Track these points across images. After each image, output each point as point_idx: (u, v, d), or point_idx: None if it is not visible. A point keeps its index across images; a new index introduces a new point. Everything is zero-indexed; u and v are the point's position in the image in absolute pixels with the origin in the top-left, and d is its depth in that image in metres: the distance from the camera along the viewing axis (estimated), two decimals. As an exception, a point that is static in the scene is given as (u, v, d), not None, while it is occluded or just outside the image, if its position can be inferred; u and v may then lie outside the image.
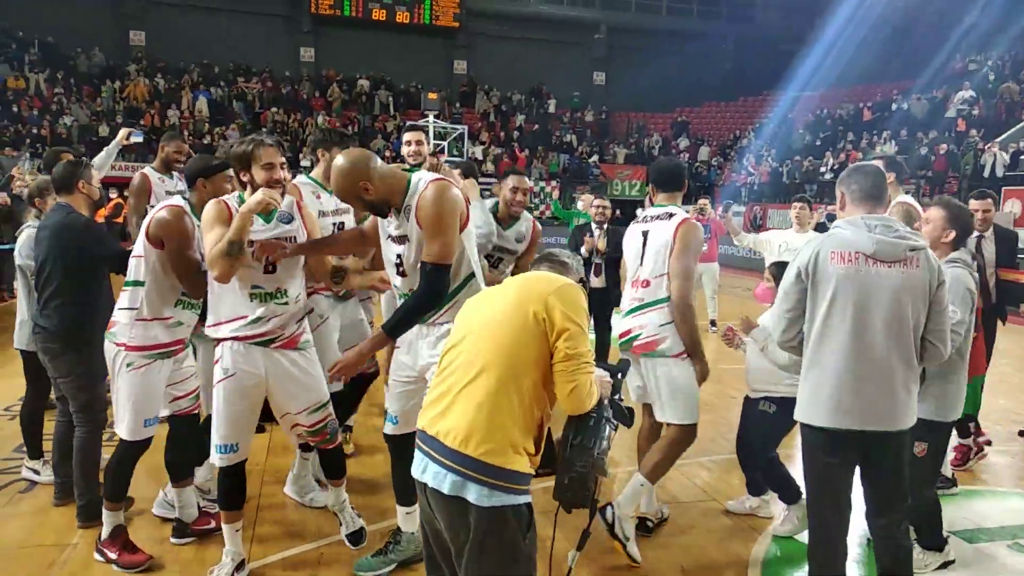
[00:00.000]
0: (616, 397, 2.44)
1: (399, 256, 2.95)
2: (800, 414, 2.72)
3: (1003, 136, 17.59)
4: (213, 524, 3.45)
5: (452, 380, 2.21)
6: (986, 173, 16.61)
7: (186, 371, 3.49)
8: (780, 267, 3.69)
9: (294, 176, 3.68)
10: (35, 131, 20.63)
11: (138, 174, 5.00)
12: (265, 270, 3.06)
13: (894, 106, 23.17)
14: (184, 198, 3.32)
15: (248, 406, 3.09)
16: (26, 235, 4.09)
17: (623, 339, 3.63)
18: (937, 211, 3.32)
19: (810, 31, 24.43)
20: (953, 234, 3.27)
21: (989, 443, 4.94)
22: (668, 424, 3.58)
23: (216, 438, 3.07)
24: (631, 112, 29.68)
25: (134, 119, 22.37)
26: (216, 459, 3.08)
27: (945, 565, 3.42)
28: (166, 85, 24.77)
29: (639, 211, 3.89)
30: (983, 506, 4.25)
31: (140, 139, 6.26)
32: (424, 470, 2.16)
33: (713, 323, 9.46)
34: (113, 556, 3.23)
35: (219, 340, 3.05)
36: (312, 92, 26.89)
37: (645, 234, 3.62)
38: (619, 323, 3.73)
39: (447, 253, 2.82)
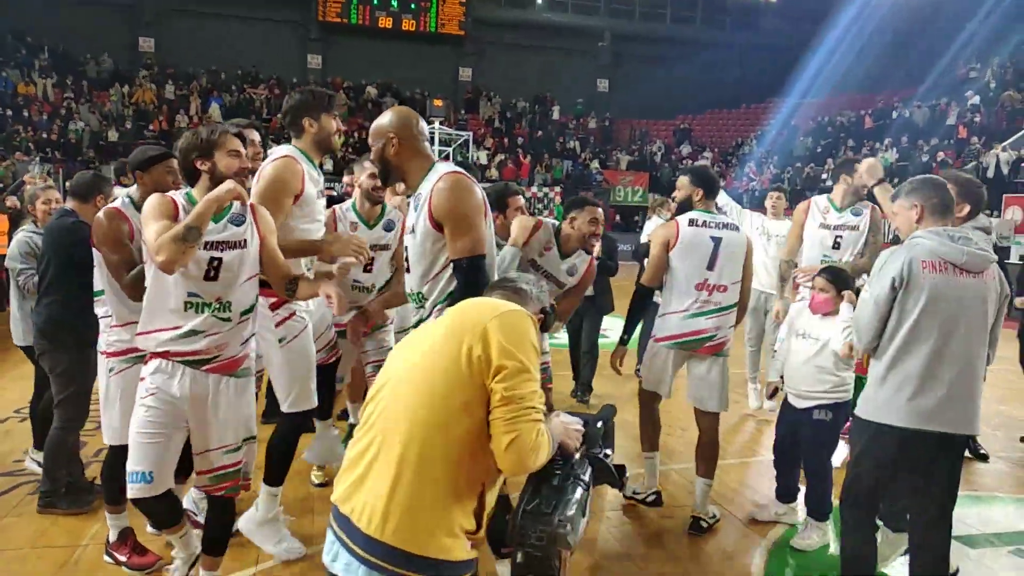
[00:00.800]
0: (600, 452, 2.04)
1: (406, 248, 2.76)
2: (874, 414, 2.79)
3: (1006, 142, 17.63)
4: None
5: (368, 439, 1.80)
6: (990, 174, 16.63)
7: None
8: (835, 274, 3.73)
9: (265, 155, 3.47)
10: (44, 136, 20.81)
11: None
12: (206, 275, 2.66)
13: (895, 113, 23.23)
14: (128, 196, 3.16)
15: (165, 435, 2.70)
16: (17, 239, 4.25)
17: (690, 339, 3.80)
18: (948, 186, 3.16)
19: (813, 39, 24.53)
20: (967, 208, 3.18)
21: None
22: (709, 413, 3.87)
23: (129, 463, 2.71)
24: (634, 119, 29.80)
25: (143, 123, 22.52)
26: (128, 488, 2.72)
27: None
28: (175, 91, 24.93)
29: (697, 215, 3.81)
30: (985, 512, 4.26)
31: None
32: (335, 557, 1.77)
33: None
34: (123, 558, 3.25)
35: (149, 354, 2.72)
36: (318, 98, 26.98)
37: (717, 240, 3.77)
38: (680, 324, 3.80)
39: (478, 246, 2.52)
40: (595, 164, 26.74)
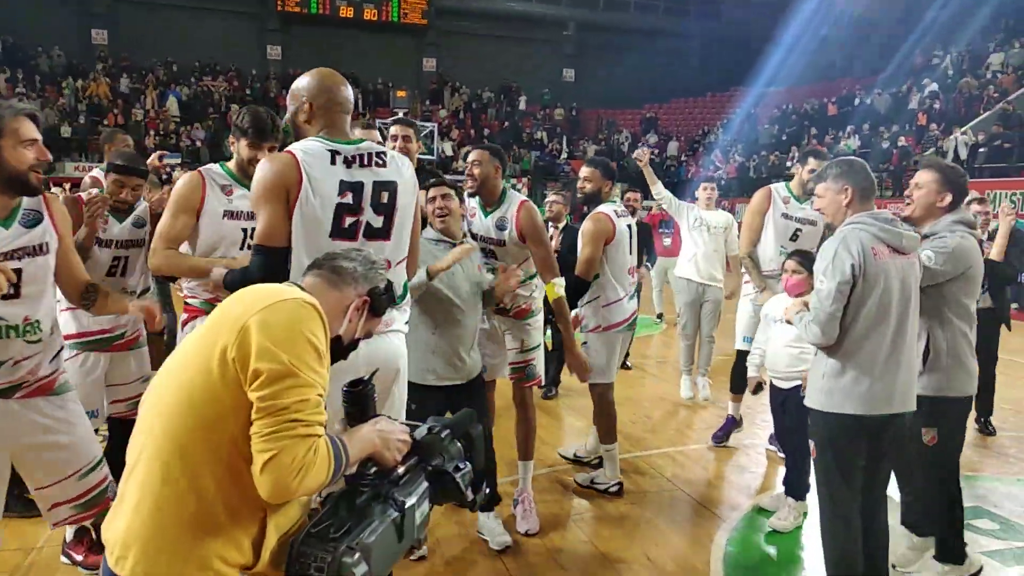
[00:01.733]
0: (449, 464, 1.72)
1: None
2: (834, 404, 2.75)
3: (964, 128, 17.92)
4: None
5: (131, 455, 1.56)
6: (949, 158, 16.92)
7: (133, 372, 3.43)
8: (804, 255, 3.66)
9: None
10: (-6, 132, 20.19)
11: (89, 177, 4.89)
12: (5, 295, 2.18)
13: (857, 100, 23.51)
14: None
15: None
16: None
17: (632, 319, 4.12)
18: (928, 174, 3.03)
19: (775, 28, 24.69)
20: (949, 197, 3.00)
21: None
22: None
23: None
24: (601, 108, 29.79)
25: (97, 118, 21.97)
26: None
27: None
28: (130, 84, 24.35)
29: (614, 207, 4.07)
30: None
31: (176, 161, 6.02)
32: None
33: (660, 316, 9.63)
34: (79, 558, 3.20)
35: None
36: (279, 90, 26.58)
37: (628, 227, 4.13)
38: (626, 308, 4.05)
39: (263, 235, 2.25)
40: (563, 155, 26.73)
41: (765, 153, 22.96)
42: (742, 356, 4.64)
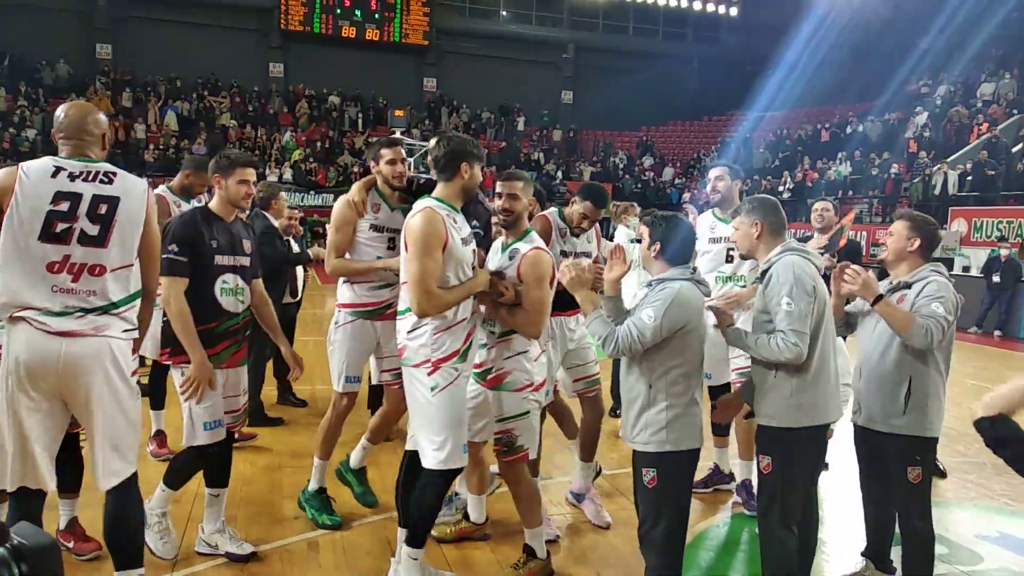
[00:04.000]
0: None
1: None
2: (803, 419, 2.88)
3: (952, 157, 18.18)
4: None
5: None
6: (937, 191, 17.16)
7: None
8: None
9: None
10: (-5, 144, 20.44)
11: (155, 196, 4.82)
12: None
13: (850, 128, 23.79)
14: None
15: None
16: None
17: None
18: (899, 224, 3.33)
19: (772, 53, 25.01)
20: (918, 242, 3.23)
21: None
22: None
23: None
24: (598, 130, 30.09)
25: (98, 133, 22.20)
26: None
27: None
28: (132, 99, 24.64)
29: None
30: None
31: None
32: None
33: None
34: (69, 544, 3.39)
35: None
36: (280, 107, 26.92)
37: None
38: None
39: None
40: (559, 176, 26.96)
41: (758, 178, 23.19)
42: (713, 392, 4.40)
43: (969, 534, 4.18)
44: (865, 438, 3.26)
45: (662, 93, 29.45)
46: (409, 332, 2.99)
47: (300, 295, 6.42)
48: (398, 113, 23.60)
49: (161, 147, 22.31)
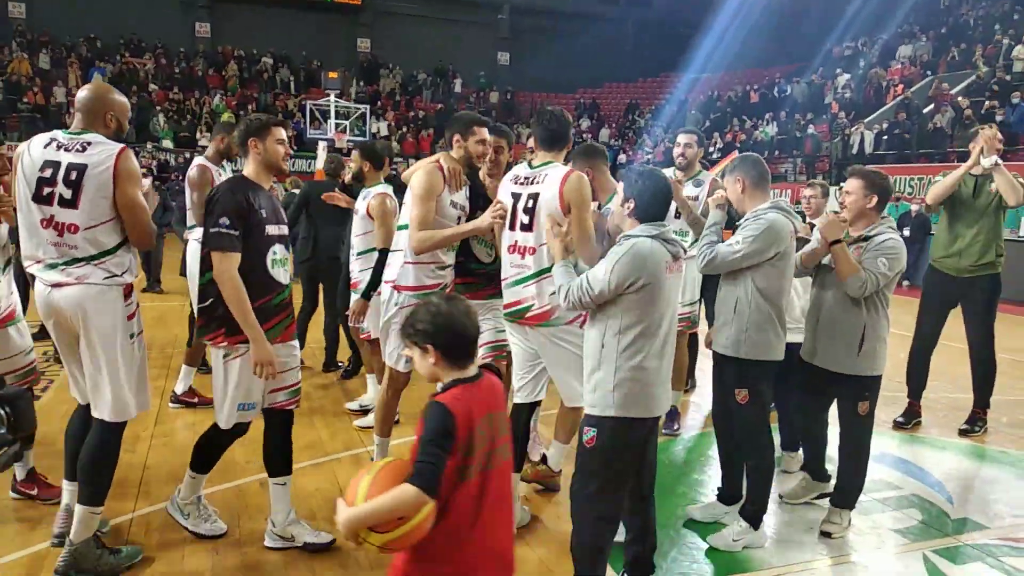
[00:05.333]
0: None
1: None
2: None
3: (869, 118, 18.98)
4: (35, 492, 3.60)
5: None
6: (855, 151, 17.93)
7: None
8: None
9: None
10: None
11: (197, 167, 4.92)
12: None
13: (777, 90, 24.50)
14: None
15: None
16: None
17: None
18: (854, 181, 3.45)
19: (704, 16, 25.42)
20: (875, 199, 3.40)
21: None
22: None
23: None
24: (535, 92, 30.16)
25: (15, 96, 21.29)
26: None
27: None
28: (51, 60, 23.57)
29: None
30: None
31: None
32: None
33: None
34: (33, 492, 3.57)
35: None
36: (207, 69, 26.14)
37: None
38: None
39: None
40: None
41: (690, 139, 23.73)
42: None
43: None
44: (816, 375, 3.53)
45: (598, 55, 29.65)
46: (553, 293, 2.99)
47: None
48: (332, 75, 23.16)
49: (83, 111, 21.47)
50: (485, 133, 3.57)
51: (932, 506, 3.90)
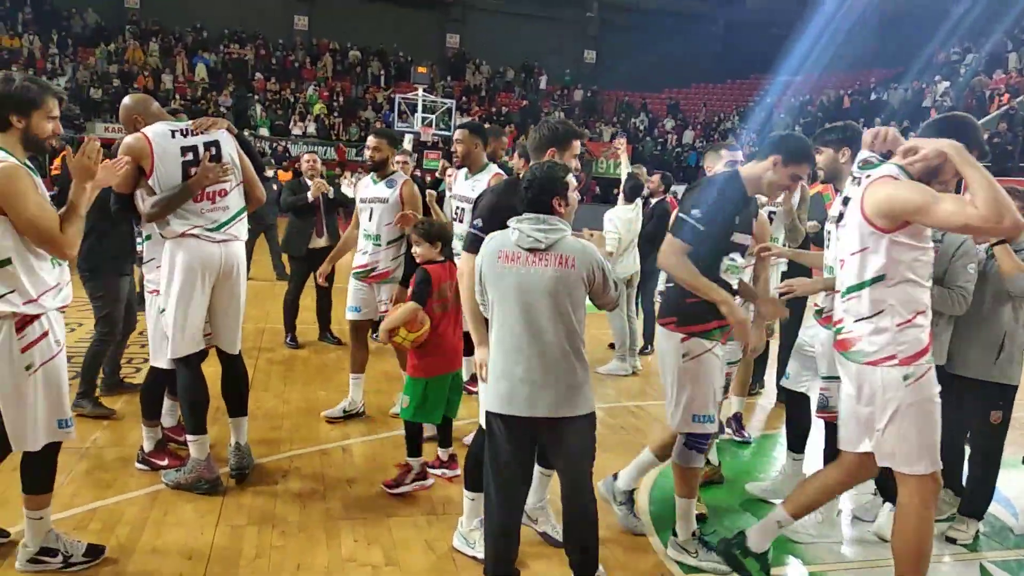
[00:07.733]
0: None
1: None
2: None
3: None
4: (166, 462, 3.77)
5: None
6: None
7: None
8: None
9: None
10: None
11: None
12: None
13: (873, 95, 23.67)
14: None
15: None
16: None
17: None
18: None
19: (799, 17, 24.74)
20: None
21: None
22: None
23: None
24: (620, 91, 30.05)
25: (127, 83, 22.71)
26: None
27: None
28: (159, 49, 25.01)
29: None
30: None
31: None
32: None
33: None
34: (163, 463, 3.73)
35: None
36: (304, 60, 27.17)
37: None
38: None
39: None
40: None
41: (776, 143, 23.21)
42: None
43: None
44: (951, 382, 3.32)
45: (686, 55, 29.24)
46: None
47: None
48: (421, 69, 23.74)
49: (188, 98, 22.73)
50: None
51: (996, 520, 3.86)
